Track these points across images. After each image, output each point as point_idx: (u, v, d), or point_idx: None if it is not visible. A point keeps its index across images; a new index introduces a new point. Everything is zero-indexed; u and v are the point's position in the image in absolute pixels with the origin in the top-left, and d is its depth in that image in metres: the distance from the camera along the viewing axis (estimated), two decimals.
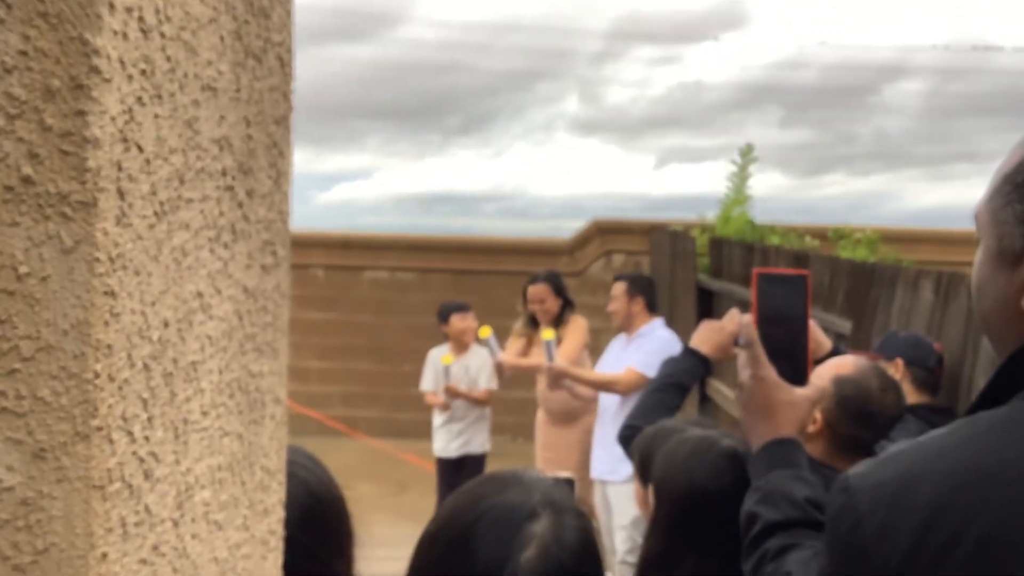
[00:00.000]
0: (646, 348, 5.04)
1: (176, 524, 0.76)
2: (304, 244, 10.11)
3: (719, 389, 7.00)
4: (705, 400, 7.41)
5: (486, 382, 5.98)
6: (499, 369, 5.74)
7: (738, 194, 9.12)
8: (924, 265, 4.85)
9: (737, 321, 2.41)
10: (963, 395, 3.40)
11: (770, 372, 1.53)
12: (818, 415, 2.15)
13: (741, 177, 9.17)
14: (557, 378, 5.16)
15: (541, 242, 10.51)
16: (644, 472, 1.88)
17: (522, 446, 8.29)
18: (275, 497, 1.09)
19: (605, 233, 10.19)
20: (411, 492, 7.78)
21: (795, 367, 1.56)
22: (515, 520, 1.17)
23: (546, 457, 5.49)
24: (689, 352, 2.42)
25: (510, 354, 5.78)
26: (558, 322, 5.54)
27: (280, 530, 1.10)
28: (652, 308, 5.37)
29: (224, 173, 0.86)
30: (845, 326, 4.62)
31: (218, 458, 0.87)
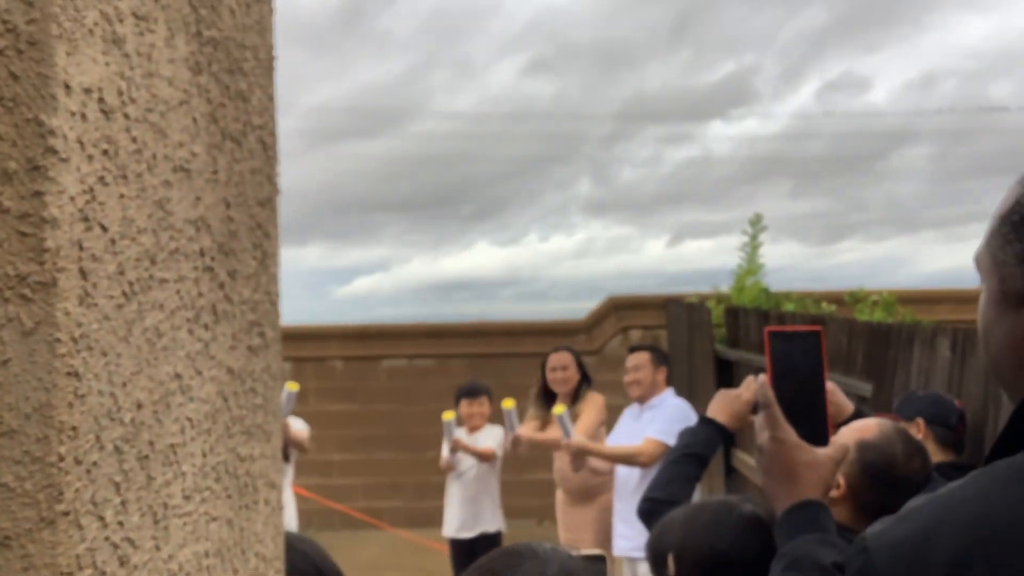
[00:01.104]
0: (661, 417, 4.99)
1: None
2: (321, 336, 10.12)
3: (745, 460, 6.90)
4: (732, 472, 7.30)
5: (494, 445, 5.90)
6: (516, 443, 5.62)
7: (751, 263, 9.11)
8: (942, 325, 4.80)
9: (753, 388, 2.38)
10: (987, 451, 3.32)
11: (790, 433, 1.49)
12: (841, 480, 2.10)
13: (752, 246, 9.18)
14: (576, 455, 5.08)
15: (557, 323, 10.49)
16: (659, 567, 1.83)
17: (549, 529, 8.15)
18: None
19: (621, 309, 10.17)
20: None
21: (815, 426, 1.52)
22: None
23: (568, 538, 5.39)
24: (706, 422, 2.38)
25: (526, 431, 5.70)
26: (575, 397, 5.49)
27: None
28: (669, 380, 5.35)
29: (202, 254, 0.86)
30: (866, 388, 4.56)
31: (204, 544, 0.85)
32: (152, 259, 0.74)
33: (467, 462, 5.95)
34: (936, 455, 3.09)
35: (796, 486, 1.47)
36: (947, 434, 3.22)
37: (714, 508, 1.76)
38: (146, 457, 0.72)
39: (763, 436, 1.50)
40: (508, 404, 5.62)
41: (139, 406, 0.71)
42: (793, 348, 1.55)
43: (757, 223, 9.33)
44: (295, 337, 10.06)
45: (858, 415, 2.37)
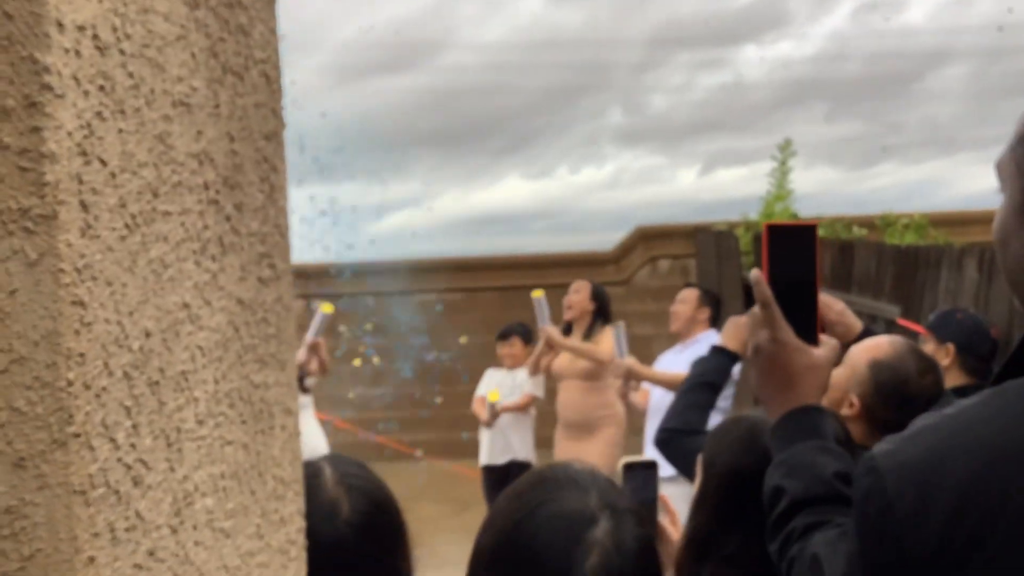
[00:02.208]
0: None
1: (175, 531, 0.77)
2: (354, 273, 10.21)
3: None
4: (758, 403, 7.32)
5: (531, 388, 5.97)
6: (547, 341, 5.51)
7: (780, 189, 9.06)
8: (971, 246, 4.76)
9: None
10: None
11: (789, 334, 1.43)
12: (855, 400, 2.11)
13: (782, 172, 9.12)
14: (627, 377, 5.02)
15: (586, 254, 10.50)
16: None
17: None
18: (292, 507, 1.10)
19: (649, 239, 10.15)
20: (473, 510, 7.79)
21: (807, 325, 1.47)
22: (576, 528, 1.13)
23: None
24: (717, 350, 2.41)
25: (549, 358, 5.70)
26: (589, 331, 5.50)
27: (301, 540, 1.11)
28: (714, 324, 5.33)
29: (206, 187, 0.88)
30: (894, 311, 4.55)
31: (220, 467, 0.88)
32: (154, 192, 0.76)
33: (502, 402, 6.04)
34: (959, 379, 3.09)
35: (794, 390, 1.41)
36: (976, 363, 3.20)
37: (747, 424, 1.78)
38: (156, 383, 0.75)
39: (761, 336, 1.44)
40: (537, 293, 5.48)
41: (147, 334, 0.73)
42: (790, 243, 1.51)
43: (787, 148, 9.25)
44: (327, 274, 10.15)
45: (867, 333, 2.38)
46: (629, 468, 1.63)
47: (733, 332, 2.39)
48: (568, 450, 5.43)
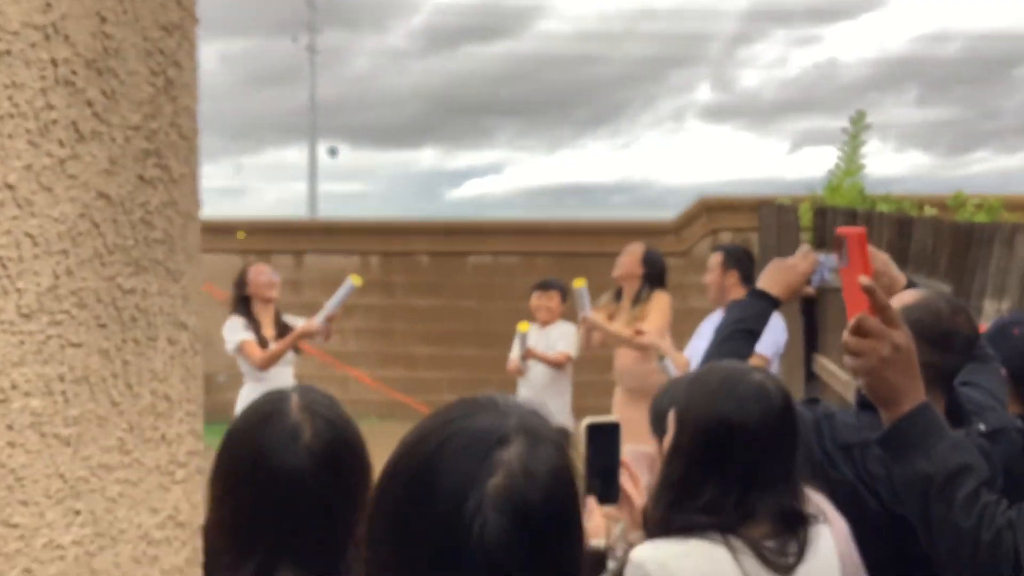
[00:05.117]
0: None
1: None
2: (408, 231, 10.20)
3: (826, 366, 6.73)
4: (811, 378, 7.14)
5: (565, 347, 5.83)
6: (587, 327, 5.47)
7: (850, 164, 8.74)
8: None
9: (811, 260, 2.25)
10: None
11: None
12: None
13: (853, 146, 8.79)
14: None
15: (645, 223, 10.33)
16: (658, 424, 1.80)
17: None
18: (183, 427, 1.03)
19: (712, 211, 9.93)
20: None
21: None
22: (484, 445, 1.04)
23: (625, 438, 5.35)
24: (758, 294, 2.26)
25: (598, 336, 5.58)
26: (637, 296, 5.37)
27: (193, 463, 1.05)
28: (747, 281, 5.18)
29: (55, 64, 0.81)
30: (945, 290, 4.36)
31: (57, 368, 0.82)
32: None
33: (536, 366, 5.91)
34: (1013, 408, 2.65)
35: (919, 379, 1.52)
36: None
37: (724, 374, 1.71)
38: None
39: (897, 336, 1.51)
40: (579, 283, 5.44)
41: None
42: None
43: (860, 121, 8.91)
44: (382, 231, 10.16)
45: (911, 287, 2.26)
46: (592, 429, 1.59)
47: (776, 275, 2.24)
48: (626, 413, 5.34)
